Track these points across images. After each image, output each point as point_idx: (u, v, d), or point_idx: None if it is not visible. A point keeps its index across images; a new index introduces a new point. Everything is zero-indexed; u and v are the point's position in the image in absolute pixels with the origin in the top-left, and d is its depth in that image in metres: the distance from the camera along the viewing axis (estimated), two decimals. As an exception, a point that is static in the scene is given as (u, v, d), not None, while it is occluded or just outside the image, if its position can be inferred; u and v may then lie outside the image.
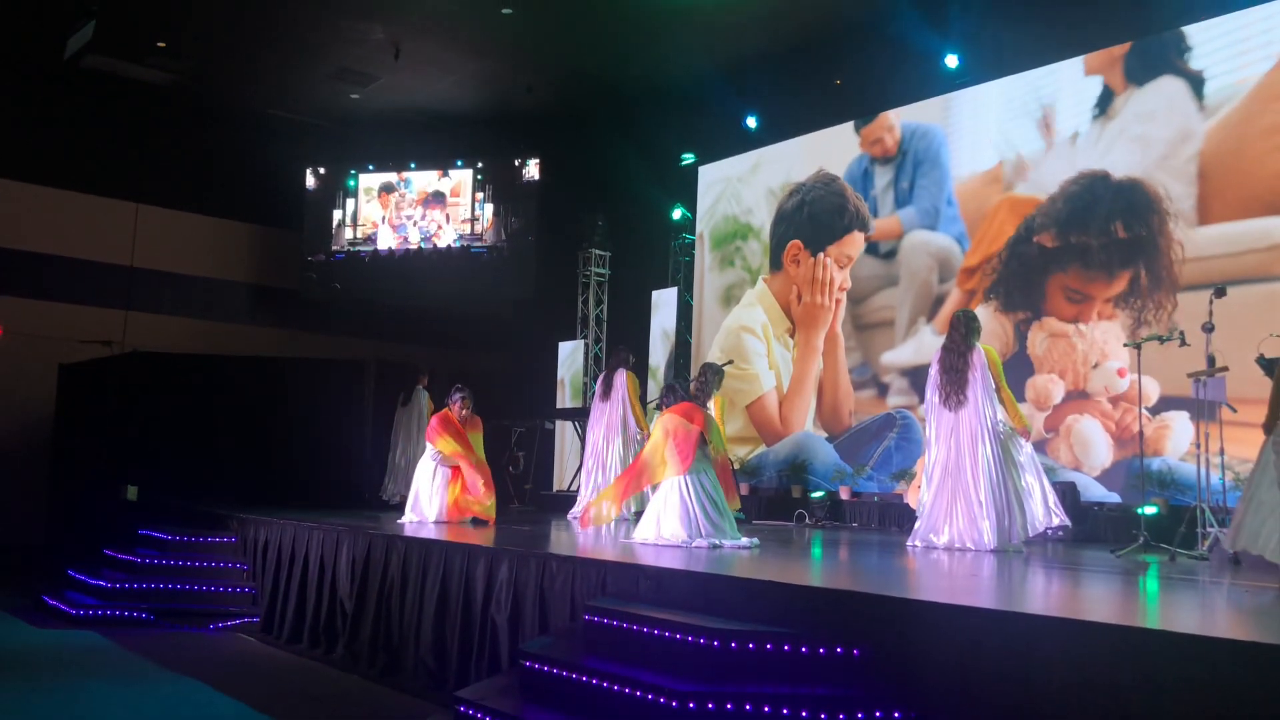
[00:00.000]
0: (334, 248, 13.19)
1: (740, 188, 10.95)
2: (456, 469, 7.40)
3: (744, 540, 5.45)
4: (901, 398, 9.15)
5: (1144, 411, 6.52)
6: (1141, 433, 6.08)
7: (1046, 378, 8.01)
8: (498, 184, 12.95)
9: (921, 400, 7.37)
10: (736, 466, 9.20)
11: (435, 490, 7.39)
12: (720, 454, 5.53)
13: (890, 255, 9.47)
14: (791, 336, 10.05)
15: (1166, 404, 7.36)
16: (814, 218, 10.05)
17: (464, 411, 7.55)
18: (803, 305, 9.94)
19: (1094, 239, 8.00)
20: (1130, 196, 7.85)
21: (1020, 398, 7.83)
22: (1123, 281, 7.79)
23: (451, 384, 7.80)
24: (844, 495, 9.02)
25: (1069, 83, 8.33)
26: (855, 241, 9.66)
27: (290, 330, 13.23)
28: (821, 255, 9.86)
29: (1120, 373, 7.65)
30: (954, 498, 5.80)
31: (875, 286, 9.54)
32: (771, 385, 10.07)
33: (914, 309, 9.20)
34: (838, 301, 9.69)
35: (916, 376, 8.84)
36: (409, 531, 6.33)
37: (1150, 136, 7.77)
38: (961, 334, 5.95)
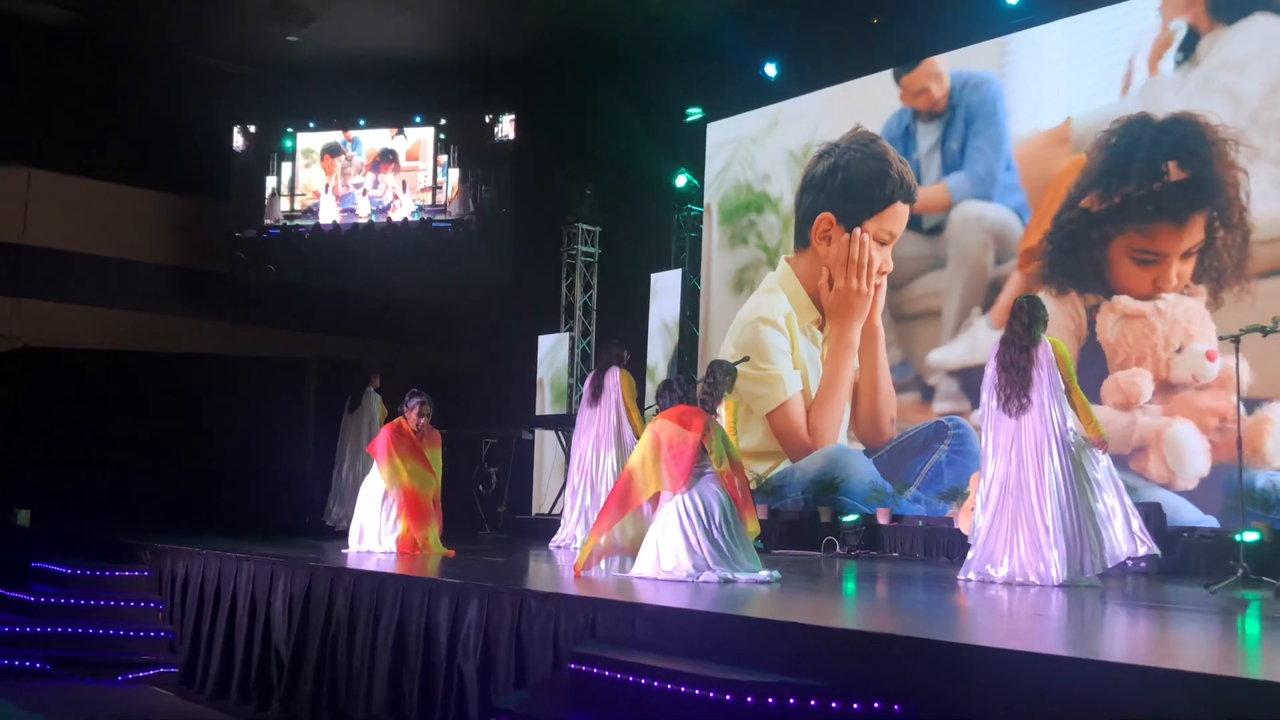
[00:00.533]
0: (267, 222, 13.18)
1: (755, 150, 10.94)
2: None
3: (763, 573, 5.45)
4: (951, 403, 9.15)
5: (1240, 408, 6.49)
6: (1240, 440, 6.05)
7: (1133, 371, 8.00)
8: (465, 145, 12.94)
9: (976, 406, 7.37)
10: (753, 485, 9.19)
11: (387, 516, 7.37)
12: (725, 469, 5.48)
13: (936, 231, 9.47)
14: (821, 329, 10.04)
15: (1263, 394, 7.36)
16: (849, 185, 10.04)
17: (422, 420, 7.54)
18: (835, 291, 9.92)
19: (1142, 187, 8.05)
20: (1177, 132, 7.91)
21: (1093, 399, 7.82)
22: (1197, 229, 7.82)
23: (409, 386, 7.80)
24: (883, 519, 9.03)
25: (1146, 21, 8.34)
26: (898, 215, 9.64)
27: (215, 322, 13.22)
28: (858, 231, 9.84)
29: (1209, 356, 7.65)
30: (1015, 522, 5.80)
31: (918, 269, 9.54)
32: (797, 389, 10.07)
33: (966, 296, 9.20)
34: (877, 287, 9.69)
35: (969, 378, 8.84)
36: (357, 564, 6.30)
37: (1240, 86, 7.79)
38: (1023, 324, 5.95)
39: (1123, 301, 8.18)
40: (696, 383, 7.19)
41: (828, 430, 9.86)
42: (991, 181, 9.18)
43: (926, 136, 9.61)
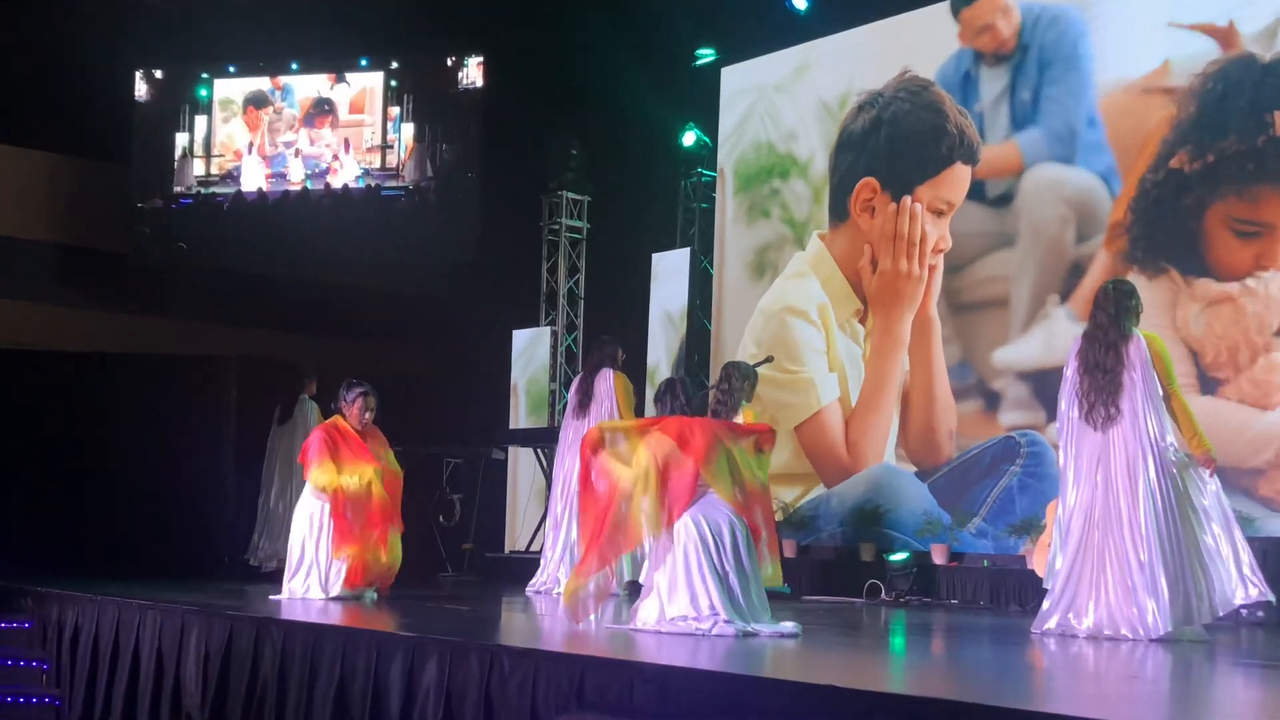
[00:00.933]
0: (177, 189, 13.15)
1: (779, 101, 10.92)
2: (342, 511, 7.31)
3: (787, 625, 5.43)
4: (1023, 413, 9.12)
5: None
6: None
7: (1268, 360, 7.97)
8: (421, 94, 12.92)
9: (1053, 417, 7.35)
10: (779, 517, 9.19)
11: (324, 548, 7.35)
12: (736, 501, 5.43)
13: (1004, 201, 9.45)
14: (862, 322, 10.01)
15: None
16: (897, 143, 10.01)
17: (367, 416, 7.54)
18: (879, 275, 9.90)
19: (1243, 142, 8.06)
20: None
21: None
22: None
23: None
24: (939, 558, 9.02)
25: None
26: (958, 179, 9.62)
27: (112, 313, 13.18)
28: (908, 200, 9.82)
29: None
30: (1102, 561, 5.79)
31: (980, 247, 9.52)
32: (833, 396, 10.05)
33: (1040, 281, 9.18)
34: (932, 268, 9.66)
35: (1045, 382, 8.82)
36: (288, 613, 6.28)
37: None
38: (1110, 315, 5.94)
39: (1203, 285, 8.19)
40: (708, 388, 7.20)
41: (871, 447, 9.83)
42: (1071, 139, 9.16)
43: (991, 84, 9.59)
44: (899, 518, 9.48)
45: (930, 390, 9.61)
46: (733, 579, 5.38)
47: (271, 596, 7.35)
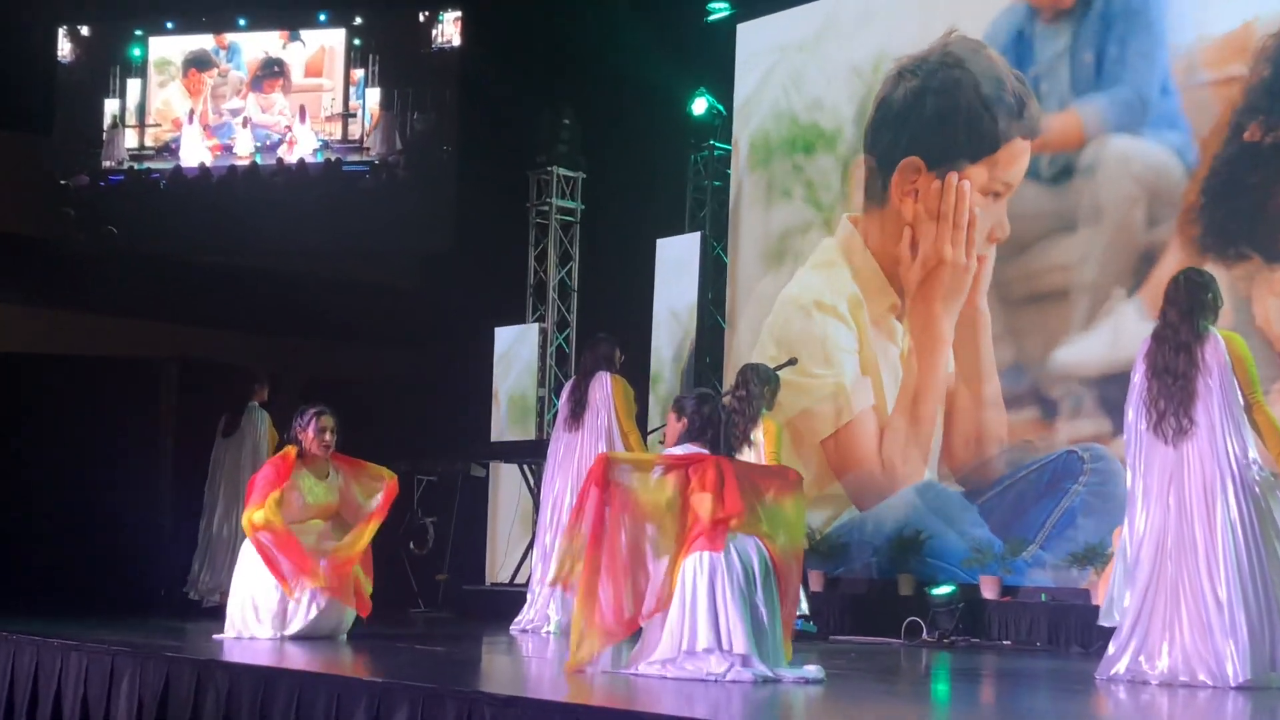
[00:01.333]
0: (107, 164, 13.18)
1: (804, 64, 10.90)
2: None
3: (810, 669, 5.45)
4: (1087, 423, 9.08)
5: None
6: None
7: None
8: (389, 54, 12.95)
9: (1120, 429, 7.35)
10: (805, 544, 9.19)
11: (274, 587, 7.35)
12: (764, 538, 5.47)
13: (1064, 177, 9.44)
14: (901, 319, 10.02)
15: None
16: (944, 116, 9.99)
17: (327, 439, 7.53)
18: (920, 262, 9.89)
19: None
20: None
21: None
22: None
23: (306, 399, 7.80)
24: (989, 591, 9.02)
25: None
26: (1016, 157, 9.59)
27: (31, 307, 13.21)
28: (954, 177, 9.83)
29: None
30: (1176, 595, 5.79)
31: (1037, 230, 9.51)
32: (867, 403, 10.04)
33: (1105, 271, 9.17)
34: (981, 259, 9.67)
35: (1111, 388, 8.83)
36: (236, 655, 6.29)
37: None
38: (1182, 311, 5.93)
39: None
40: (724, 395, 7.21)
41: (909, 463, 9.83)
42: (1142, 108, 9.15)
43: (1049, 44, 9.58)
44: (942, 545, 9.48)
45: (978, 396, 9.60)
46: (762, 613, 5.39)
47: (215, 636, 7.34)
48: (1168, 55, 9.08)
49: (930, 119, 10.07)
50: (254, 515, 7.30)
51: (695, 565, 5.39)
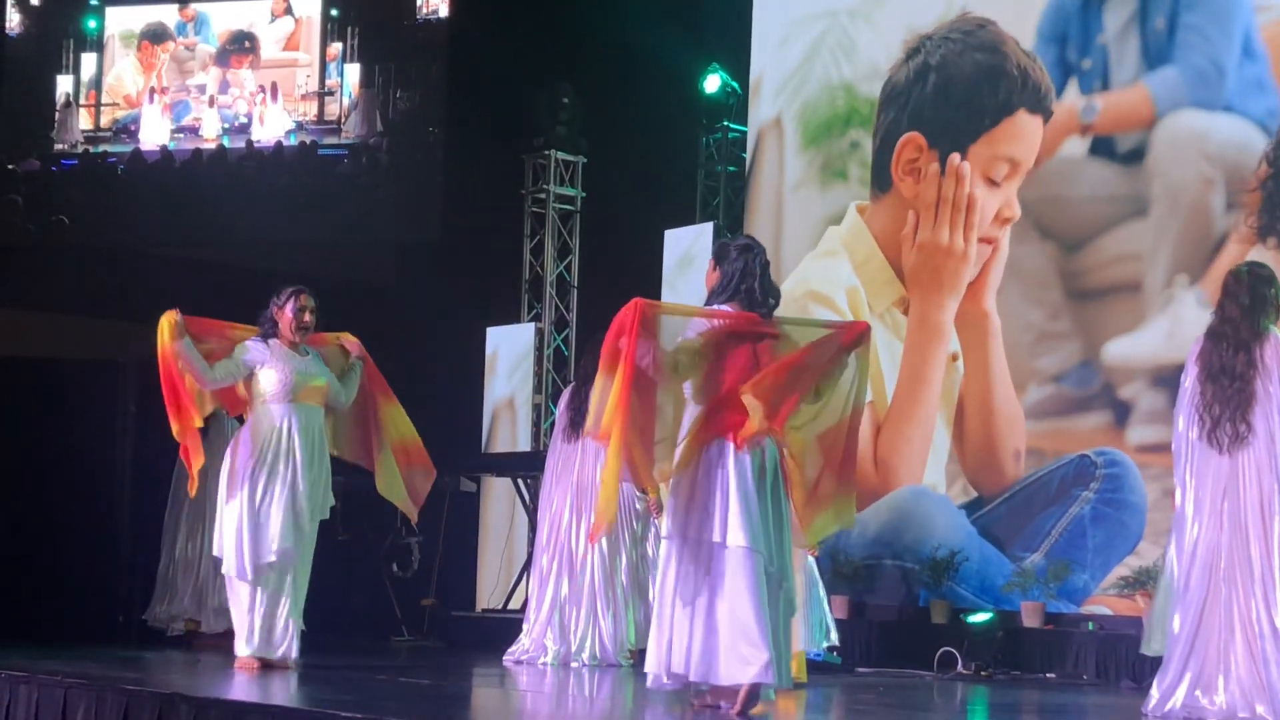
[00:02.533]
0: (58, 147, 13.18)
1: (856, 30, 10.82)
2: None
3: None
4: (1155, 429, 9.04)
5: None
6: None
7: None
8: (370, 26, 12.94)
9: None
10: (813, 554, 9.18)
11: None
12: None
13: (1134, 158, 9.43)
14: (907, 313, 10.09)
15: None
16: (945, 92, 10.04)
17: (307, 318, 7.57)
18: (918, 247, 9.93)
19: None
20: None
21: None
22: None
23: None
24: (1030, 619, 9.02)
25: None
26: (1024, 132, 9.63)
27: (-23, 304, 13.22)
28: (956, 157, 9.86)
29: None
30: (1230, 621, 5.77)
31: (1107, 217, 9.51)
32: (865, 398, 10.06)
33: (1177, 260, 9.17)
34: (995, 247, 9.69)
35: (1173, 384, 8.81)
36: (201, 688, 6.29)
37: None
38: (1241, 308, 5.91)
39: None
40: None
41: (903, 465, 9.90)
42: (1218, 78, 9.12)
43: (1117, 12, 9.57)
44: (982, 567, 9.46)
45: (988, 403, 9.67)
46: (769, 513, 5.52)
47: (200, 658, 7.38)
48: (1252, 17, 9.05)
49: (930, 95, 10.13)
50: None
51: (718, 455, 5.50)
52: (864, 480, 9.84)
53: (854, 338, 5.74)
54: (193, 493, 7.91)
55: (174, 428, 7.55)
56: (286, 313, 7.50)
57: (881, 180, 10.34)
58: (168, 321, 7.31)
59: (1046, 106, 9.58)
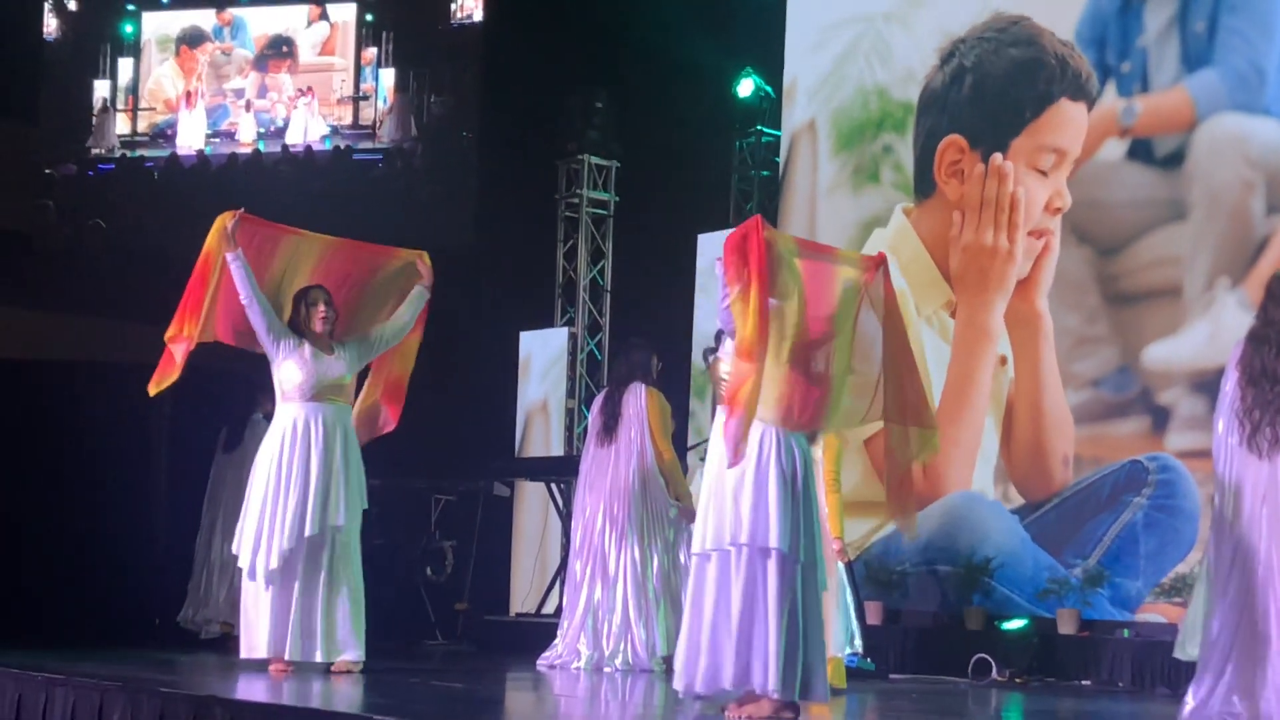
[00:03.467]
0: (96, 152, 13.25)
1: (892, 33, 10.80)
2: None
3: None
4: (1195, 434, 8.96)
5: None
6: None
7: None
8: (405, 31, 12.98)
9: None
10: (852, 556, 9.16)
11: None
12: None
13: (1174, 161, 9.38)
14: (954, 316, 10.06)
15: None
16: (982, 91, 10.03)
17: (321, 310, 7.57)
18: (963, 249, 9.90)
19: None
20: None
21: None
22: None
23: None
24: (1066, 626, 8.99)
25: None
26: (1068, 120, 9.59)
27: (11, 307, 13.28)
28: (998, 156, 9.83)
29: None
30: (1267, 624, 5.74)
31: (1146, 221, 9.46)
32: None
33: (1216, 262, 9.13)
34: (1046, 245, 9.66)
35: (1206, 392, 8.79)
36: (238, 690, 6.31)
37: None
38: (1283, 311, 5.90)
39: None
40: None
41: (951, 470, 9.81)
42: (1260, 81, 9.06)
43: (1157, 13, 9.53)
44: (1017, 572, 9.43)
45: (1038, 405, 9.60)
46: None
47: (234, 659, 7.38)
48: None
49: (967, 96, 10.12)
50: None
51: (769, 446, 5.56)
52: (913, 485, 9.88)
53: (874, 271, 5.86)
54: (151, 392, 7.71)
55: (170, 330, 7.53)
56: (317, 316, 7.53)
57: (924, 185, 10.32)
58: (221, 225, 7.35)
59: (1089, 93, 9.53)
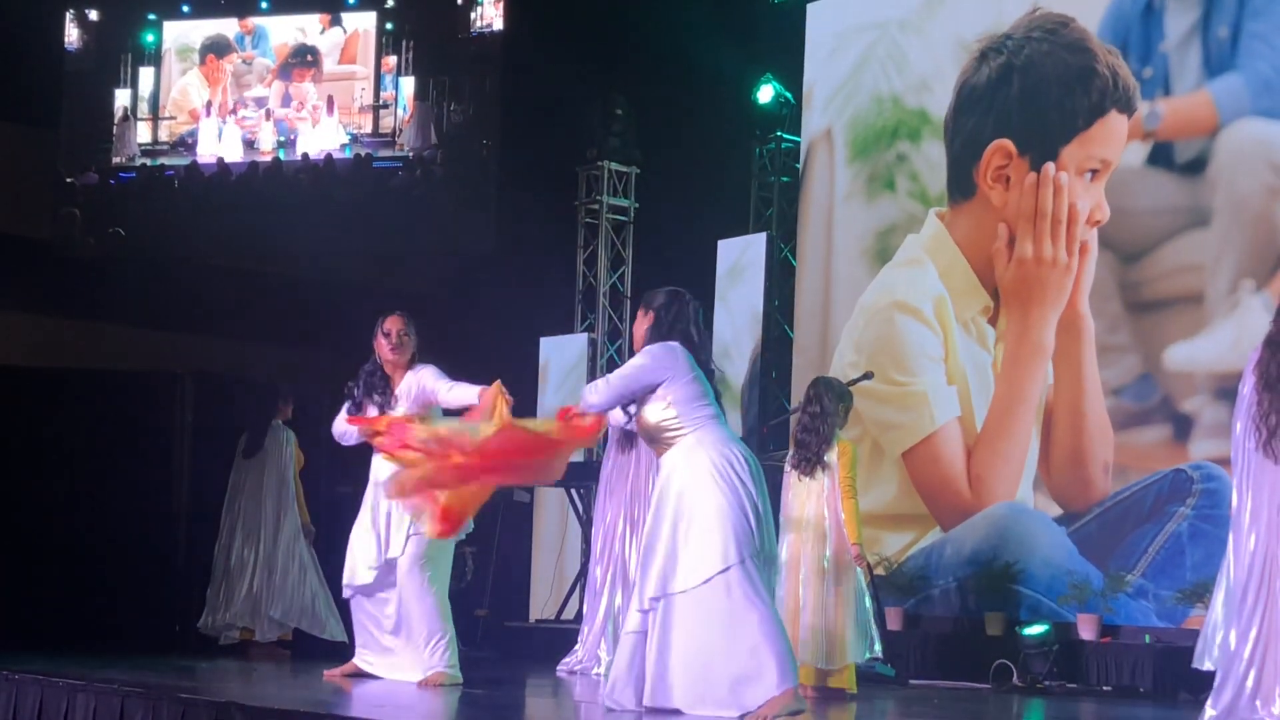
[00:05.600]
0: (117, 160, 13.26)
1: (907, 42, 10.80)
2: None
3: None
4: (1217, 441, 8.92)
5: None
6: None
7: None
8: (425, 39, 12.98)
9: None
10: (880, 570, 9.10)
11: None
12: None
13: (1196, 167, 9.34)
14: (992, 322, 9.99)
15: None
16: (1031, 95, 9.95)
17: (393, 339, 7.45)
18: (1016, 262, 9.82)
19: None
20: None
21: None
22: None
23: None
24: (1087, 632, 8.95)
25: None
26: (1114, 132, 9.55)
27: (32, 315, 13.31)
28: (1050, 166, 9.77)
29: None
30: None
31: (1167, 227, 9.43)
32: (952, 414, 10.00)
33: (1239, 267, 9.08)
34: (1084, 250, 9.61)
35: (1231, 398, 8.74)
36: (256, 697, 6.29)
37: None
38: (1302, 315, 5.86)
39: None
40: (794, 412, 7.15)
41: (1000, 482, 9.78)
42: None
43: (1179, 18, 9.50)
44: (1036, 576, 9.41)
45: (1079, 409, 9.54)
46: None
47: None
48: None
49: (1017, 98, 10.03)
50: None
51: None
52: (958, 497, 9.89)
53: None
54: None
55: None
56: (379, 340, 7.45)
57: (963, 186, 10.25)
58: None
59: (1134, 105, 9.49)
